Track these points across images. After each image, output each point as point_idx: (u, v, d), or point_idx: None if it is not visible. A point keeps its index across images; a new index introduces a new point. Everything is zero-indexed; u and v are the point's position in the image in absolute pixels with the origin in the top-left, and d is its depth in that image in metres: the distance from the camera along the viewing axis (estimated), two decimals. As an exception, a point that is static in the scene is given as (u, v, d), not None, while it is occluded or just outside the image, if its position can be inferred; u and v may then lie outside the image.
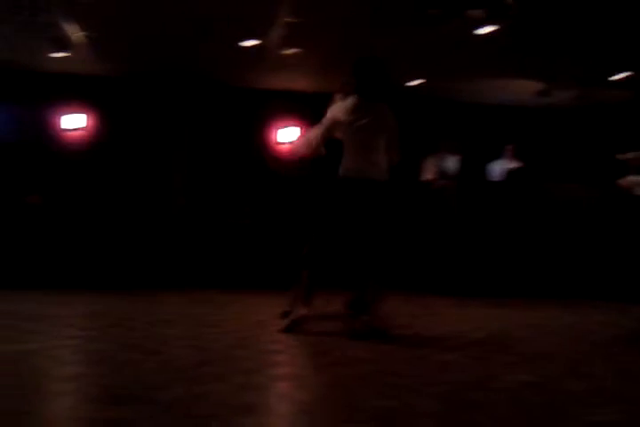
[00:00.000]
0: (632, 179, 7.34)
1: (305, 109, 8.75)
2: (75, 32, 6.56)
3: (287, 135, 8.77)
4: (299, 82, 8.26)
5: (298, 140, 4.38)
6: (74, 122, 8.38)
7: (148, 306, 5.62)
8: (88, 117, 8.46)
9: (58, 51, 6.96)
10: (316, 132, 4.19)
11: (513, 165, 8.21)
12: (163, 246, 7.97)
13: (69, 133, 8.42)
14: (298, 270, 4.10)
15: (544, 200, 7.20)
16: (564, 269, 7.02)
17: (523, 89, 8.39)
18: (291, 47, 6.67)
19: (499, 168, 8.26)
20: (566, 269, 7.02)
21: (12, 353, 3.14)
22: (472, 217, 7.01)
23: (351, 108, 3.94)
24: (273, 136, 8.89)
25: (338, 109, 4.03)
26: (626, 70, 7.63)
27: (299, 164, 4.53)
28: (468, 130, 9.07)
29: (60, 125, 8.38)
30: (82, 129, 8.43)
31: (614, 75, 7.79)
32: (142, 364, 2.96)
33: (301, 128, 8.49)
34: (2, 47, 7.15)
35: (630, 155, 7.39)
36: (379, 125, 3.96)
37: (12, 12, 5.97)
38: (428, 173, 7.75)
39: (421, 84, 8.30)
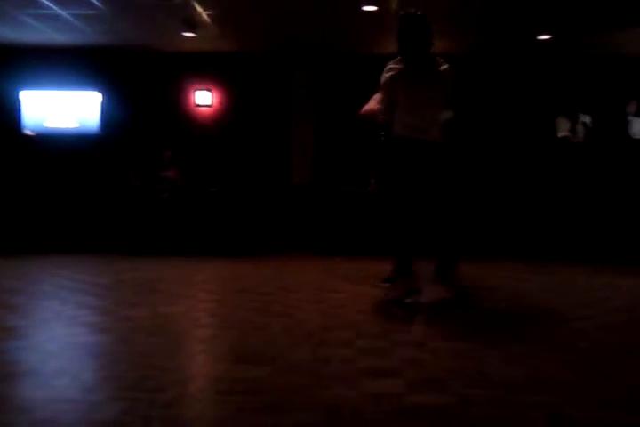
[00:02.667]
0: None
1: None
2: (202, 12, 6.81)
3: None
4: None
5: (371, 105, 4.34)
6: (205, 98, 8.77)
7: (275, 272, 5.84)
8: (217, 93, 8.80)
9: (187, 31, 7.30)
10: (379, 97, 4.05)
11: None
12: (285, 216, 8.20)
13: (201, 109, 8.81)
14: (391, 237, 4.04)
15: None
16: None
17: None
18: (410, 10, 6.48)
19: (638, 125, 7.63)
20: None
21: (157, 315, 3.41)
22: (607, 178, 6.57)
23: (398, 69, 3.82)
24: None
25: (387, 72, 3.89)
26: None
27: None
28: (604, 84, 8.41)
29: (192, 102, 8.79)
30: (212, 105, 8.79)
31: None
32: (270, 327, 3.10)
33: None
34: (137, 30, 7.57)
35: None
36: (429, 82, 3.83)
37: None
38: (563, 130, 7.37)
39: (551, 38, 7.80)
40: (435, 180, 3.80)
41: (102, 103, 8.48)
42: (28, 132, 8.46)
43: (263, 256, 7.26)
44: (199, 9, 6.74)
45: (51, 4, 6.53)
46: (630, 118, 7.59)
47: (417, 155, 3.75)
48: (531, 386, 2.08)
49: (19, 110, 8.40)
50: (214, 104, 8.82)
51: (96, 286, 4.59)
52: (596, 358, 2.47)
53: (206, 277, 5.41)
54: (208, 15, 6.96)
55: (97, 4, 6.50)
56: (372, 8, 6.63)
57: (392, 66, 3.87)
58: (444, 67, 3.88)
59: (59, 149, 8.42)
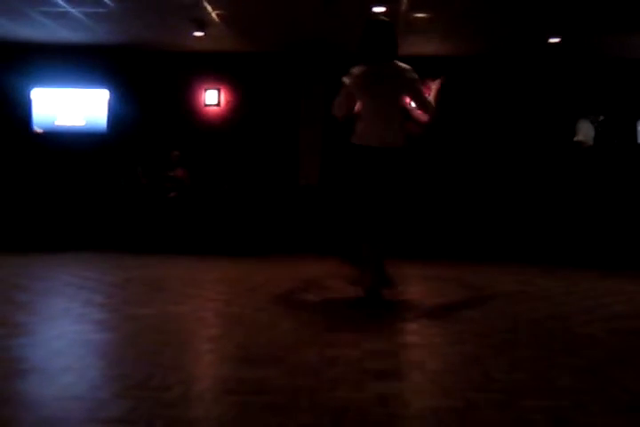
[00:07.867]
0: None
1: (435, 73, 8.54)
2: (211, 11, 6.82)
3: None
4: (427, 47, 8.05)
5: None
6: (213, 98, 8.78)
7: (282, 272, 5.84)
8: (226, 93, 8.82)
9: (197, 30, 7.31)
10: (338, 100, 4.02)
11: None
12: (292, 216, 8.20)
13: (210, 109, 8.82)
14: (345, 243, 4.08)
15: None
16: None
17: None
18: (419, 12, 6.51)
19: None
20: None
21: (165, 314, 3.42)
22: (616, 183, 6.55)
23: (359, 75, 3.81)
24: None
25: (348, 77, 3.89)
26: None
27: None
28: (619, 88, 8.36)
29: (201, 102, 8.80)
30: (220, 104, 8.80)
31: None
32: (277, 327, 3.10)
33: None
34: (147, 30, 7.60)
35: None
36: (391, 88, 3.80)
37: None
38: (581, 135, 7.39)
39: (561, 41, 7.77)
40: (389, 184, 3.80)
41: (110, 101, 8.50)
42: (38, 130, 8.49)
43: (270, 256, 7.27)
44: (209, 8, 6.75)
45: (62, 2, 6.56)
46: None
47: (376, 162, 3.76)
48: (536, 391, 2.07)
49: (29, 108, 8.44)
50: (223, 104, 8.84)
51: (104, 284, 4.61)
52: (601, 363, 2.46)
53: (214, 277, 5.42)
54: (217, 15, 6.98)
55: (108, 2, 6.52)
56: (382, 9, 6.63)
57: (353, 71, 3.87)
58: (408, 73, 3.83)
59: (67, 147, 8.46)
